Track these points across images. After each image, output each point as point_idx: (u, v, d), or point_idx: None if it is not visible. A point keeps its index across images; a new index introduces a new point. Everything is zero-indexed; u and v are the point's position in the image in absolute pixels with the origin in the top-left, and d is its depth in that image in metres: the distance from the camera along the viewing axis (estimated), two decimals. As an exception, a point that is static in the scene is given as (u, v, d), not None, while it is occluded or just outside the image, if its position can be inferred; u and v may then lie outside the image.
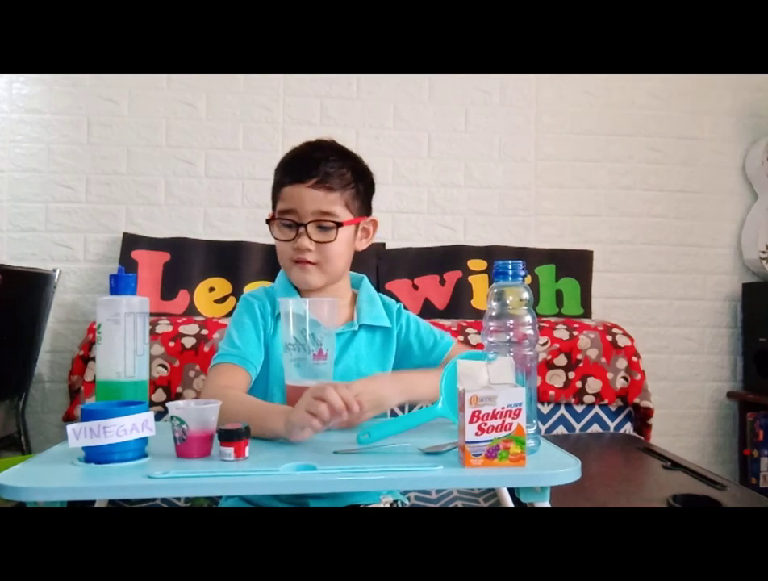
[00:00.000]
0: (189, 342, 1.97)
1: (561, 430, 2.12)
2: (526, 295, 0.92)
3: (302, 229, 1.19)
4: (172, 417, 0.88)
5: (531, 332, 0.91)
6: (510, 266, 0.92)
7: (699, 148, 2.74)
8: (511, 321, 0.91)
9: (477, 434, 0.82)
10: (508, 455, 0.82)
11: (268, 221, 1.25)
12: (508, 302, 0.92)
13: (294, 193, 1.19)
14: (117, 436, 0.83)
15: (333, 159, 1.22)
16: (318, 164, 1.20)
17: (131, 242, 2.39)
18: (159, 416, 1.15)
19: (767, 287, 2.60)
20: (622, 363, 2.14)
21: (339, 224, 1.19)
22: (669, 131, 2.72)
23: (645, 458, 1.82)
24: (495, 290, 0.93)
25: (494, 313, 0.92)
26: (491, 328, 0.92)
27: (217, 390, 1.10)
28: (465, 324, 2.17)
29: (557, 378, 2.11)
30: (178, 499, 1.84)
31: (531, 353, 0.92)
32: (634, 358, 2.15)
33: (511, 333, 0.90)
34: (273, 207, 1.26)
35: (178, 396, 1.94)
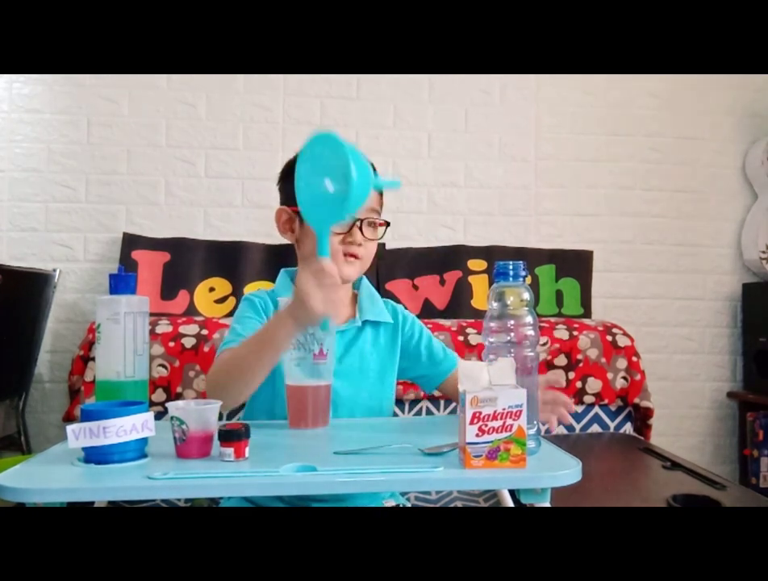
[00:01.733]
0: (189, 342, 1.97)
1: (561, 430, 2.12)
2: (527, 296, 0.92)
3: (356, 224, 1.21)
4: (172, 417, 0.88)
5: (532, 332, 0.91)
6: (511, 267, 0.92)
7: (699, 148, 2.73)
8: (512, 322, 0.90)
9: (477, 435, 0.82)
10: (509, 456, 0.82)
11: (298, 216, 1.23)
12: (509, 302, 0.91)
13: None
14: (117, 436, 0.83)
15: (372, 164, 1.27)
16: (371, 165, 1.24)
17: (131, 242, 2.38)
18: (159, 416, 1.15)
19: (767, 287, 2.60)
20: (622, 363, 2.14)
21: (387, 224, 1.27)
22: (669, 131, 2.72)
23: (645, 458, 1.82)
24: (496, 291, 0.92)
25: (494, 314, 0.92)
26: (492, 329, 0.92)
27: (221, 362, 1.12)
28: (465, 324, 2.17)
29: (557, 378, 2.11)
30: (179, 498, 1.84)
31: (532, 353, 0.91)
32: (634, 358, 2.15)
33: (512, 334, 0.90)
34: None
35: (178, 396, 1.94)
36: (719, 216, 2.74)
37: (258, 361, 1.05)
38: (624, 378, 2.13)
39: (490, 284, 2.49)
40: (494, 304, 0.92)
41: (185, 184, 2.49)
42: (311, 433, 1.05)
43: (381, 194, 1.28)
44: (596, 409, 2.15)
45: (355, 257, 1.22)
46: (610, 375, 2.13)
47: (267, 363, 1.06)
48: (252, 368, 1.06)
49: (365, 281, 1.33)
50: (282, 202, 1.29)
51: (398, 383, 1.41)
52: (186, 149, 2.49)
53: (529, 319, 0.91)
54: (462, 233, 2.61)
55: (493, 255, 2.54)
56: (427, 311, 2.43)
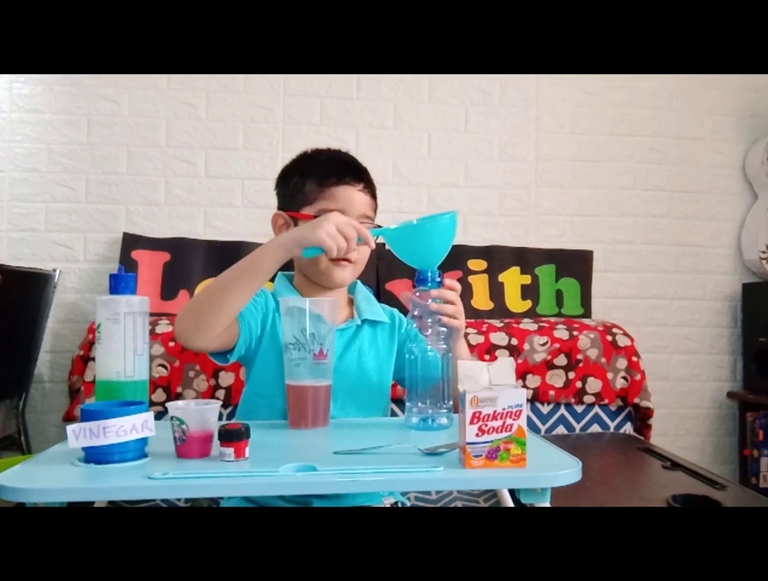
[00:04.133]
0: (189, 342, 1.97)
1: (561, 430, 2.12)
2: (436, 294, 1.08)
3: None
4: (172, 417, 0.88)
5: (443, 328, 1.08)
6: (429, 274, 1.09)
7: (699, 148, 2.74)
8: (430, 320, 1.08)
9: (477, 435, 0.82)
10: (509, 456, 0.82)
11: (294, 221, 1.25)
12: (428, 303, 1.08)
13: (346, 194, 1.22)
14: (117, 436, 0.83)
15: (366, 169, 1.30)
16: (363, 170, 1.28)
17: (131, 242, 2.39)
18: (159, 416, 1.15)
19: (767, 287, 2.60)
20: (622, 363, 2.14)
21: (379, 228, 1.26)
22: (669, 131, 2.72)
23: (645, 458, 1.82)
24: (417, 295, 1.08)
25: (416, 313, 1.08)
26: (414, 325, 1.09)
27: (199, 291, 1.11)
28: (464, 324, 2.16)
29: (557, 378, 2.11)
30: (178, 499, 1.84)
31: (445, 346, 1.08)
32: (634, 358, 2.15)
33: (430, 330, 1.07)
34: (296, 206, 1.25)
35: (178, 396, 1.94)
36: (719, 216, 2.74)
37: (241, 275, 1.06)
38: (624, 378, 2.13)
39: (491, 284, 2.53)
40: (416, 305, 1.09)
41: (185, 184, 2.49)
42: (311, 433, 1.05)
43: (374, 198, 1.29)
44: (596, 409, 2.15)
45: (348, 261, 1.23)
46: (610, 375, 2.13)
47: (249, 279, 1.06)
48: (233, 283, 1.06)
49: (360, 284, 1.35)
50: (279, 207, 1.30)
51: (398, 384, 1.42)
52: (186, 149, 2.50)
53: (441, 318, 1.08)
54: (462, 233, 2.61)
55: (493, 255, 2.55)
56: (427, 311, 2.43)
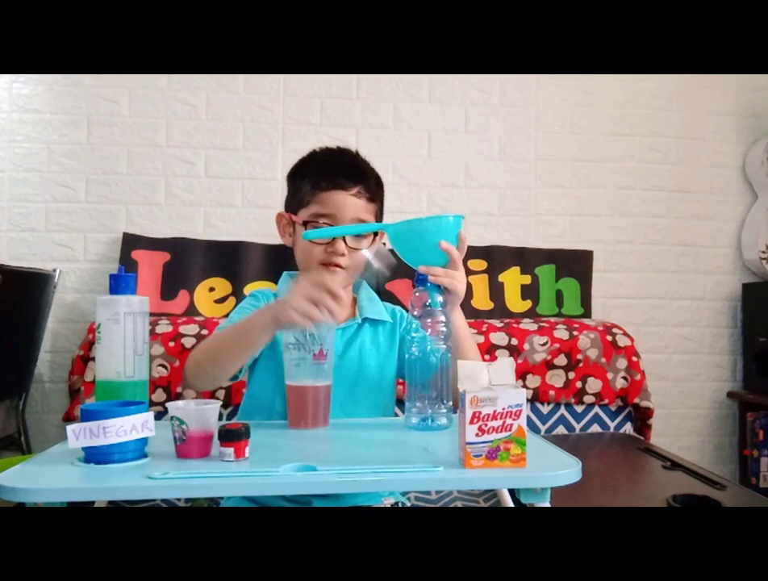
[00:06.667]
0: (189, 342, 1.97)
1: (561, 430, 2.12)
2: (440, 298, 1.11)
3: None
4: (172, 417, 0.88)
5: (444, 328, 1.09)
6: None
7: (699, 148, 2.74)
8: (429, 319, 1.08)
9: (477, 435, 0.82)
10: (509, 456, 0.82)
11: (293, 222, 1.25)
12: (427, 303, 1.10)
13: (336, 199, 1.21)
14: (117, 436, 0.83)
15: (368, 170, 1.28)
16: (360, 173, 1.25)
17: (131, 242, 2.38)
18: (159, 416, 1.15)
19: (767, 287, 2.60)
20: (622, 363, 2.14)
21: (375, 233, 1.27)
22: (669, 131, 2.72)
23: (645, 458, 1.82)
24: (417, 294, 1.10)
25: (415, 312, 1.10)
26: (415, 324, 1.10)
27: (205, 342, 1.14)
28: (465, 324, 2.17)
29: (557, 378, 2.11)
30: (178, 499, 1.84)
31: (444, 345, 1.08)
32: (634, 358, 2.15)
33: (430, 329, 1.08)
34: (294, 207, 1.26)
35: (178, 396, 1.94)
36: (719, 216, 2.74)
37: (234, 347, 1.08)
38: (624, 378, 2.13)
39: (491, 284, 2.53)
40: (416, 305, 1.10)
41: (185, 184, 2.49)
42: (311, 433, 1.05)
43: (372, 201, 1.27)
44: (596, 409, 2.15)
45: (339, 266, 1.22)
46: (610, 375, 2.13)
47: (241, 351, 1.08)
48: (228, 353, 1.08)
49: (365, 284, 1.35)
50: (285, 206, 1.31)
51: (398, 383, 1.42)
52: (186, 149, 2.49)
53: (442, 317, 1.09)
54: (462, 233, 2.60)
55: (493, 255, 2.55)
56: (427, 311, 2.43)
